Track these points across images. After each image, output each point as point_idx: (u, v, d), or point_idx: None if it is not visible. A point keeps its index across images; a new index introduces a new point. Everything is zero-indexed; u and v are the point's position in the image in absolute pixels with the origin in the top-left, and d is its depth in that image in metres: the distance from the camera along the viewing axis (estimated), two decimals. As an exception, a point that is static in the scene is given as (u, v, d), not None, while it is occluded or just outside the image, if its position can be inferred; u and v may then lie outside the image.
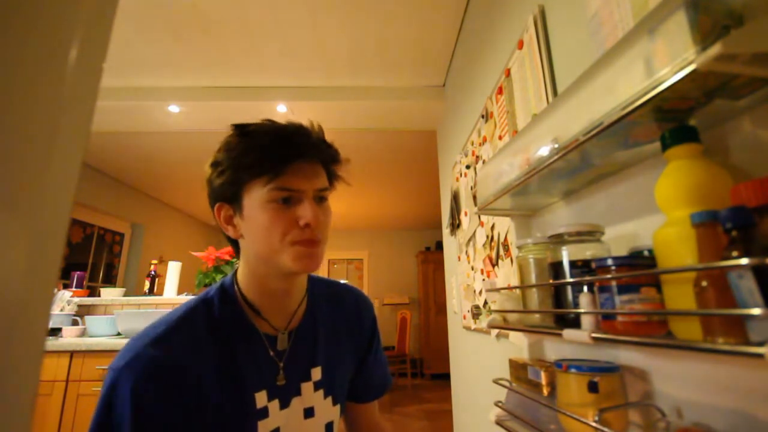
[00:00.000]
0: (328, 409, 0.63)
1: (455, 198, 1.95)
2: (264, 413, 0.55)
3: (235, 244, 0.61)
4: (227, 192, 0.56)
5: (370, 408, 0.77)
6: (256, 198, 0.54)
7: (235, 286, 0.60)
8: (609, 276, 0.47)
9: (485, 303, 1.44)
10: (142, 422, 0.46)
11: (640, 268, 0.45)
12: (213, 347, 0.54)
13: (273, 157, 0.53)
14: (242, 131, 0.57)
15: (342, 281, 0.79)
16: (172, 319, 0.55)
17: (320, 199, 0.58)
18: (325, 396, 0.63)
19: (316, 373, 0.62)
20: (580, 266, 0.58)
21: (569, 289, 0.60)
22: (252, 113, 2.47)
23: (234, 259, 2.29)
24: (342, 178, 0.65)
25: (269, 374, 0.57)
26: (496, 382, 0.84)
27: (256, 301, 0.59)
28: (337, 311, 0.70)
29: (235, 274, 0.62)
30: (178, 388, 0.49)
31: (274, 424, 0.56)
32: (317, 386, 0.62)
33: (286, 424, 0.58)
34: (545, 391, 0.68)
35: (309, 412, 0.61)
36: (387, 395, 4.60)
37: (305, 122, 0.61)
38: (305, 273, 0.59)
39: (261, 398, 0.55)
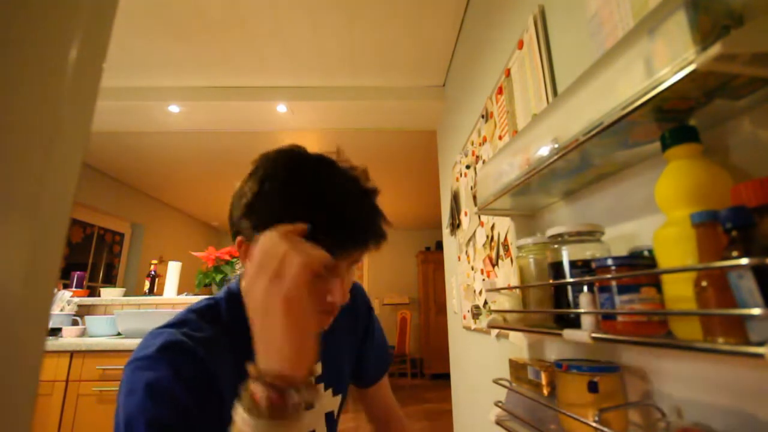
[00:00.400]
0: (328, 401, 0.66)
1: (455, 198, 1.95)
2: None
3: None
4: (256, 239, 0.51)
5: (379, 390, 0.79)
6: None
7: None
8: (609, 276, 0.47)
9: (485, 303, 1.44)
10: (194, 395, 0.45)
11: (640, 268, 0.45)
12: (225, 347, 0.54)
13: (330, 244, 0.46)
14: (295, 186, 0.48)
15: None
16: (185, 318, 0.53)
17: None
18: (325, 389, 0.65)
19: (317, 369, 0.64)
20: (580, 266, 0.58)
21: (569, 289, 0.60)
22: (252, 113, 2.48)
23: (234, 259, 2.29)
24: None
25: None
26: (496, 382, 0.84)
27: None
28: None
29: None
30: (204, 374, 0.48)
31: None
32: (317, 381, 0.64)
33: None
34: (545, 391, 0.68)
35: (309, 405, 0.62)
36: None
37: (350, 160, 0.54)
38: None
39: None
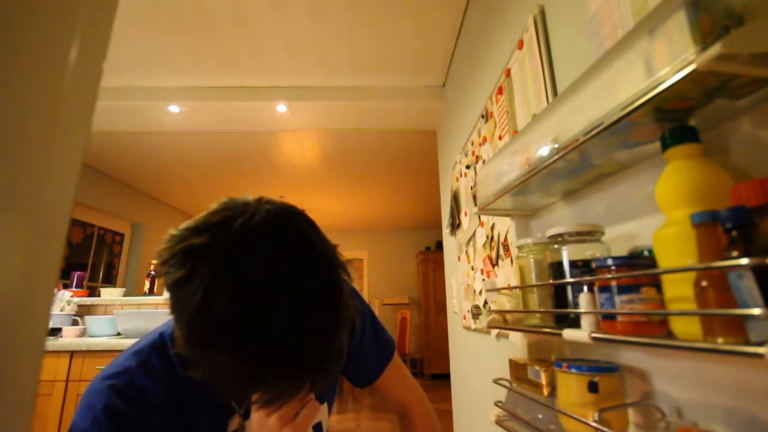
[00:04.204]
0: None
1: (455, 198, 1.95)
2: None
3: None
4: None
5: (386, 386, 0.72)
6: None
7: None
8: (609, 276, 0.47)
9: (485, 303, 1.44)
10: None
11: (640, 268, 0.45)
12: (175, 400, 0.51)
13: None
14: (210, 303, 0.36)
15: None
16: (130, 373, 0.51)
17: None
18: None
19: None
20: (580, 266, 0.58)
21: (569, 289, 0.60)
22: (252, 113, 2.48)
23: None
24: None
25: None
26: (496, 382, 0.84)
27: None
28: None
29: None
30: None
31: None
32: None
33: None
34: (545, 391, 0.68)
35: None
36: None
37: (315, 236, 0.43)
38: None
39: (233, 422, 0.54)
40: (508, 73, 1.18)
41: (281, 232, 0.40)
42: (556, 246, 0.62)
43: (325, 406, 0.65)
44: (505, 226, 1.19)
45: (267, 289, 0.37)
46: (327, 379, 0.41)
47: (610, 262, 0.47)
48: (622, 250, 0.57)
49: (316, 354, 0.39)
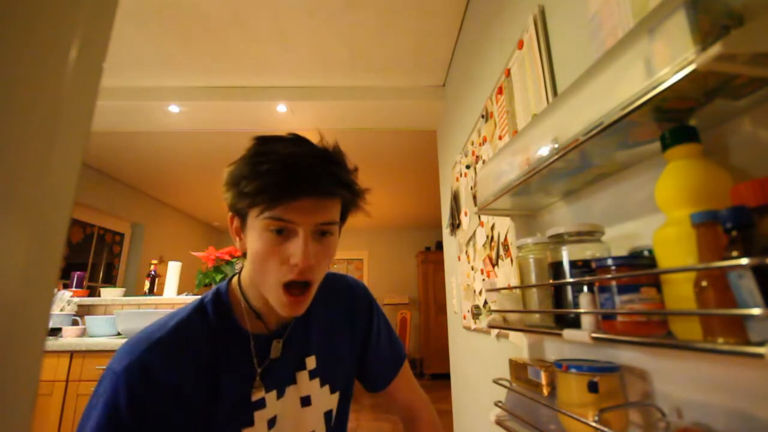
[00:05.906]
0: (325, 398, 0.64)
1: (455, 198, 1.95)
2: (261, 404, 0.57)
3: None
4: (236, 207, 0.55)
5: (396, 390, 0.76)
6: (254, 223, 0.53)
7: (232, 292, 0.61)
8: (609, 276, 0.47)
9: (485, 303, 1.44)
10: (143, 422, 0.48)
11: (640, 268, 0.45)
12: (209, 358, 0.55)
13: (268, 188, 0.50)
14: (254, 151, 0.54)
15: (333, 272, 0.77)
16: (170, 326, 0.55)
17: (322, 233, 0.54)
18: (322, 384, 0.64)
19: (311, 362, 0.63)
20: (580, 266, 0.58)
21: (569, 289, 0.60)
22: (252, 113, 2.48)
23: (234, 259, 2.29)
24: (362, 209, 0.62)
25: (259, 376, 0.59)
26: (496, 382, 0.84)
27: (256, 303, 0.59)
28: (329, 300, 0.69)
29: (232, 279, 0.63)
30: (174, 394, 0.51)
31: (271, 413, 0.57)
32: (312, 375, 0.63)
33: (282, 412, 0.59)
34: (545, 391, 0.68)
35: (306, 401, 0.62)
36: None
37: (329, 141, 0.58)
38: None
39: (257, 392, 0.57)
40: (508, 73, 1.18)
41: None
42: (556, 246, 0.62)
43: (337, 395, 0.67)
44: (505, 226, 1.19)
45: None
46: (331, 189, 0.53)
47: (610, 262, 0.47)
48: (622, 250, 0.57)
49: (334, 170, 0.54)
